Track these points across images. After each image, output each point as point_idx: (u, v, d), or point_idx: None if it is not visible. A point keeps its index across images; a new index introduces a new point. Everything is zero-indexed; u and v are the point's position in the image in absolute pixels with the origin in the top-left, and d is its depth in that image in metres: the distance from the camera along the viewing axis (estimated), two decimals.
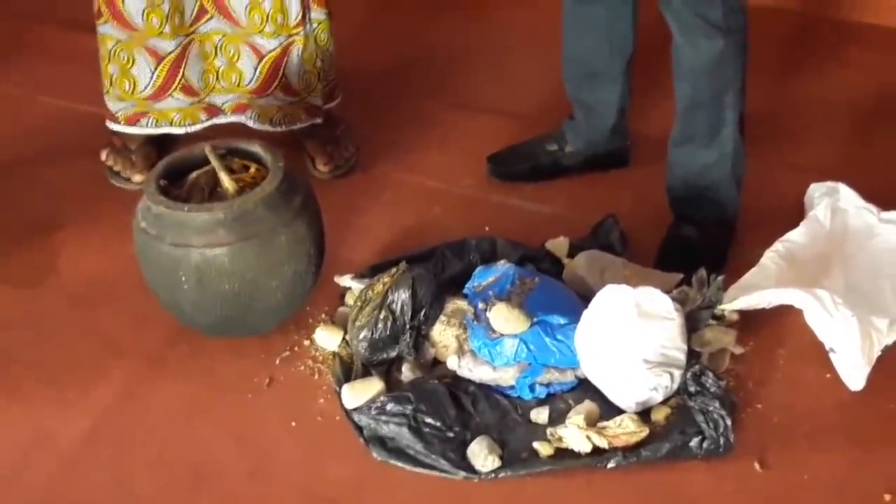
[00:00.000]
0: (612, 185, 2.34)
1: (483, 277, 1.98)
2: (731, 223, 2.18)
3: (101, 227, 2.27)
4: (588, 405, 1.84)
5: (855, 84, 2.62)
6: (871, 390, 1.88)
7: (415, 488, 1.77)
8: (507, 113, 2.55)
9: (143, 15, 2.21)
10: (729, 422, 1.78)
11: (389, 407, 1.82)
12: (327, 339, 1.99)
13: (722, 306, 1.98)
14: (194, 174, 2.00)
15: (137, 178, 2.35)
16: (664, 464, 1.77)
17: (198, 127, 2.36)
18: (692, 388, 1.82)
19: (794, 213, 2.18)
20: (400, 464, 1.79)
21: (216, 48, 2.29)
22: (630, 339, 1.82)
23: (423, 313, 1.92)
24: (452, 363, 1.91)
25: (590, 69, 2.27)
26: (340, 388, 1.89)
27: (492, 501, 1.75)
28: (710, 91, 2.06)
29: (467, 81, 2.68)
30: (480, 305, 1.91)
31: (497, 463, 1.77)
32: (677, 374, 1.83)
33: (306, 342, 2.01)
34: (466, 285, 1.99)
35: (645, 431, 1.79)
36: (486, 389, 1.88)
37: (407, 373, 1.91)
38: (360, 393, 1.87)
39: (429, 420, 1.80)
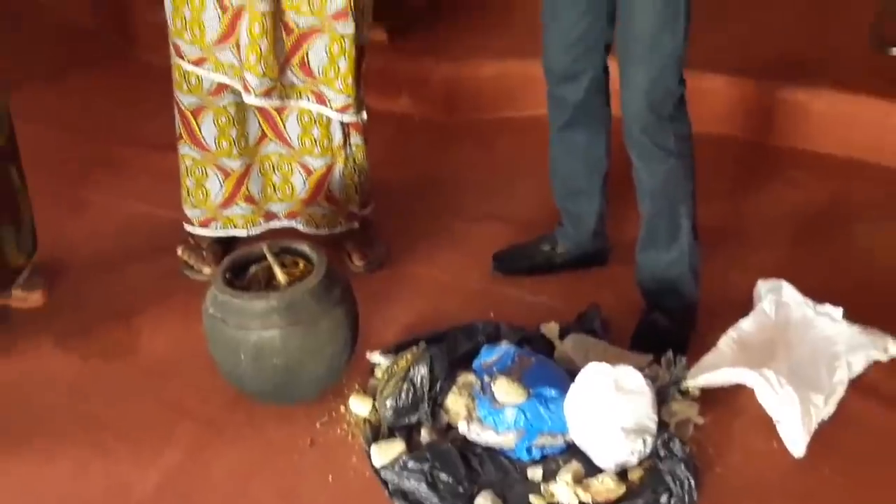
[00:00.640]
0: (595, 280, 2.34)
1: (488, 355, 1.97)
2: (692, 311, 2.17)
3: (174, 312, 2.26)
4: (575, 465, 1.83)
5: (792, 199, 2.63)
6: (811, 457, 1.86)
7: None
8: (507, 220, 2.55)
9: (215, 140, 2.26)
10: (693, 482, 1.76)
11: (410, 464, 1.80)
12: (360, 406, 1.98)
13: (686, 383, 1.97)
14: (253, 268, 2.02)
15: (207, 270, 2.35)
16: None
17: (257, 230, 2.37)
18: (662, 453, 1.81)
19: (745, 306, 2.17)
20: None
21: (273, 166, 2.32)
22: (610, 409, 1.82)
23: (438, 385, 1.92)
24: (463, 428, 1.90)
25: (573, 186, 2.29)
26: (370, 448, 1.88)
27: None
28: (667, 204, 2.07)
29: (475, 195, 2.69)
30: (486, 379, 1.91)
31: None
32: (650, 440, 1.82)
33: (342, 409, 2.00)
34: (474, 362, 1.98)
35: (623, 489, 1.78)
36: (491, 451, 1.87)
37: (425, 436, 1.90)
38: (385, 452, 1.85)
39: (443, 476, 1.79)
